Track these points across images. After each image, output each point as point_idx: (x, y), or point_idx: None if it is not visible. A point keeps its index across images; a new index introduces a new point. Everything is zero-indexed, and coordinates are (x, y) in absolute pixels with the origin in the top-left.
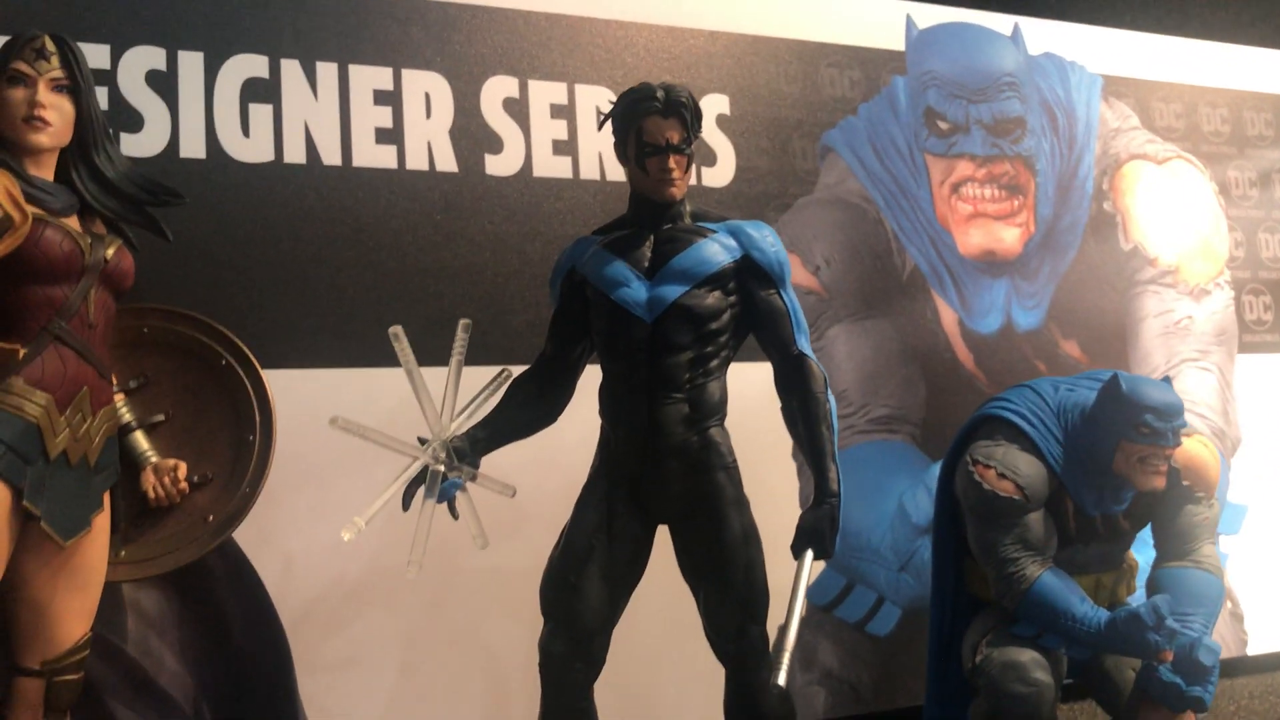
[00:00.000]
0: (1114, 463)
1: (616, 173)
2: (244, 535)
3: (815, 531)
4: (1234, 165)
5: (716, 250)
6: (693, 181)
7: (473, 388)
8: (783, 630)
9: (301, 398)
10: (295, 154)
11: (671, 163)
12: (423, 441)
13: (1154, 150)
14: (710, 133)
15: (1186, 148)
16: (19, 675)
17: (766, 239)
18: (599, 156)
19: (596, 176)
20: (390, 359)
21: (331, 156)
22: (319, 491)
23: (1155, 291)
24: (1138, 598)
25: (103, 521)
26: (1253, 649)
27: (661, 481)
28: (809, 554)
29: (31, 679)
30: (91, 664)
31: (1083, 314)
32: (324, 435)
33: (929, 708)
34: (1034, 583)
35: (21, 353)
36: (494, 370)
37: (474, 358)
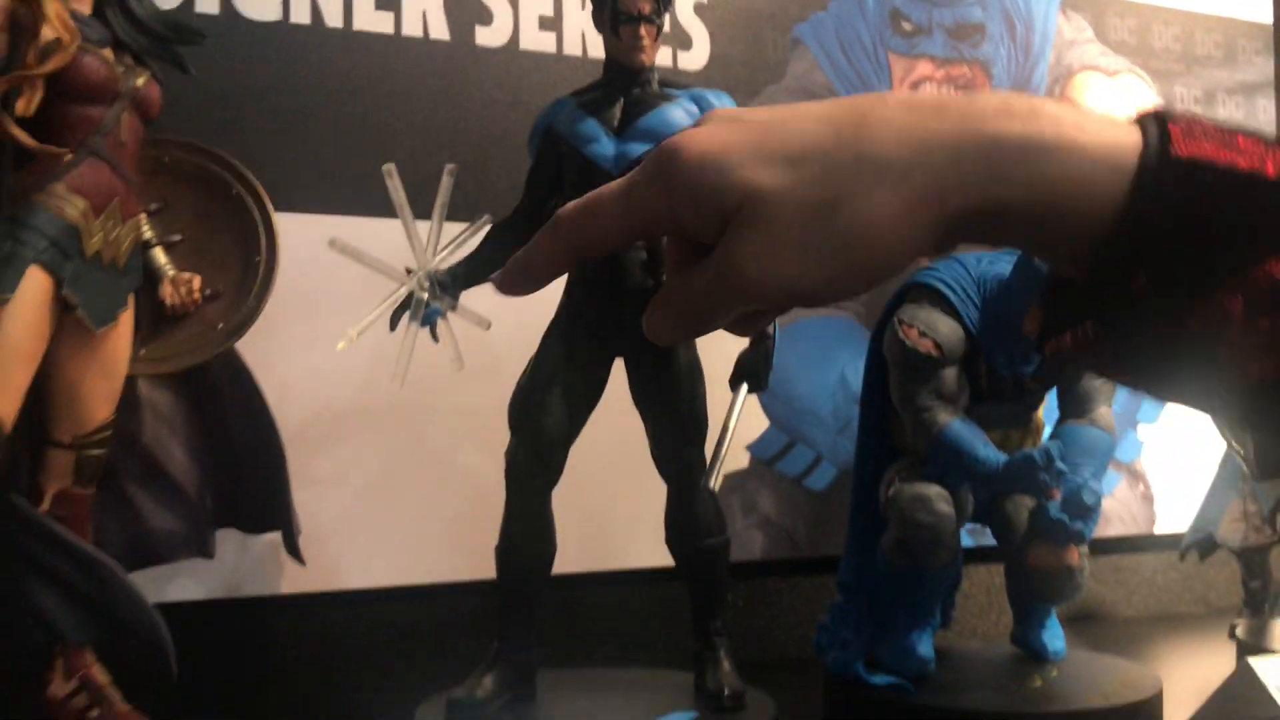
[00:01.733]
0: (1024, 325)
1: (597, 51)
2: (248, 359)
3: (751, 367)
4: (1181, 82)
5: (680, 114)
6: (669, 64)
7: (456, 232)
8: (717, 445)
9: (301, 239)
10: (301, 15)
11: (642, 31)
12: (409, 272)
13: (1106, 63)
14: (688, 19)
15: (1137, 63)
16: (51, 447)
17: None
18: (582, 35)
19: (579, 53)
20: (381, 210)
21: (334, 19)
22: (315, 324)
23: None
24: None
25: (128, 319)
26: (1159, 529)
27: (619, 320)
28: (744, 387)
29: (62, 451)
30: (113, 448)
31: None
32: (321, 273)
33: (849, 544)
34: (944, 428)
35: (68, 157)
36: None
37: (457, 214)
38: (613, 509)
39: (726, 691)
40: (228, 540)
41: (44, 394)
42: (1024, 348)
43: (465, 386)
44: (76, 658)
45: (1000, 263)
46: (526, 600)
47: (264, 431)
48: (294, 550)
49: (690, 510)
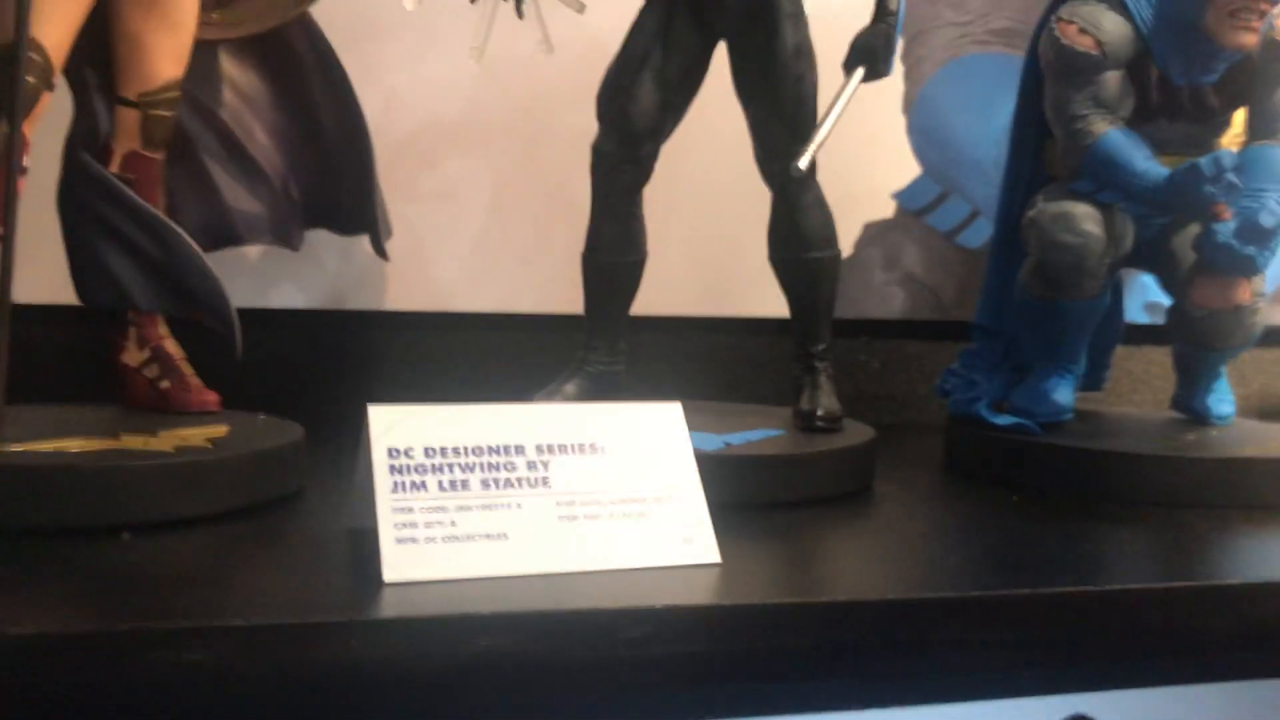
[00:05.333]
0: (1204, 19)
1: None
2: (354, 67)
3: (868, 48)
4: None
5: None
6: None
7: None
8: (816, 126)
9: None
10: None
11: None
12: None
13: None
14: None
15: None
16: (118, 105)
17: None
18: None
19: None
20: None
21: None
22: (421, 33)
23: None
24: None
25: None
26: None
27: None
28: (860, 71)
29: (129, 109)
30: (187, 118)
31: None
32: None
33: (988, 282)
34: (1099, 138)
35: None
36: None
37: None
38: (737, 254)
39: (820, 412)
40: (329, 249)
41: (108, 48)
42: (1204, 50)
43: (579, 110)
44: (149, 327)
45: None
46: (613, 308)
47: (352, 126)
48: (380, 248)
49: (794, 219)
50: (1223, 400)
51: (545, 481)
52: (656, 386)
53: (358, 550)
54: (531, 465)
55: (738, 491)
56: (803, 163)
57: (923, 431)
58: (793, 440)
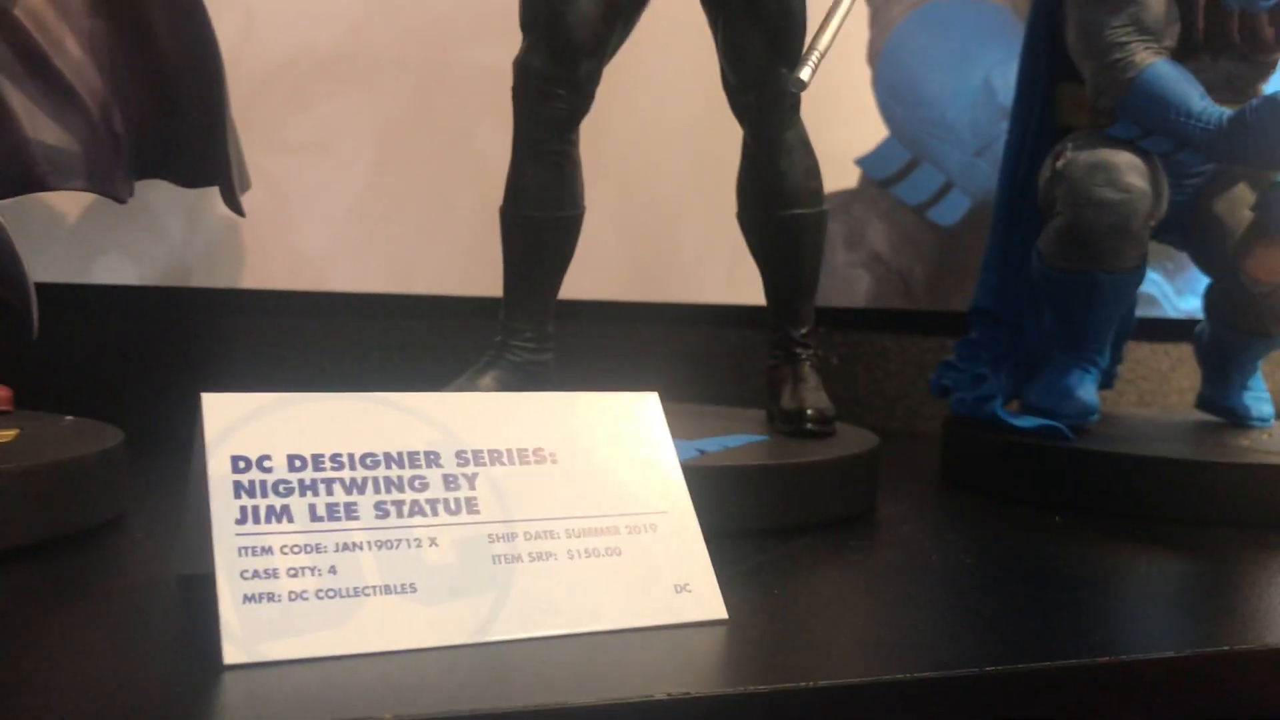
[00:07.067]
0: None
1: None
2: None
3: None
4: None
5: None
6: None
7: None
8: (816, 34)
9: None
10: None
11: None
12: None
13: None
14: None
15: None
16: None
17: None
18: None
19: None
20: None
21: None
22: None
23: None
24: None
25: None
26: None
27: None
28: None
29: None
30: None
31: None
32: None
33: (990, 257)
34: (1144, 69)
35: None
36: None
37: None
38: (677, 226)
39: (810, 411)
40: (171, 210)
41: None
42: None
43: (489, 41)
44: None
45: None
46: (541, 279)
47: (197, 43)
48: (233, 201)
49: (773, 164)
50: (1260, 399)
51: (471, 505)
52: (590, 383)
53: (191, 611)
54: (451, 481)
55: (723, 513)
56: (805, 74)
57: (895, 438)
58: (782, 446)
